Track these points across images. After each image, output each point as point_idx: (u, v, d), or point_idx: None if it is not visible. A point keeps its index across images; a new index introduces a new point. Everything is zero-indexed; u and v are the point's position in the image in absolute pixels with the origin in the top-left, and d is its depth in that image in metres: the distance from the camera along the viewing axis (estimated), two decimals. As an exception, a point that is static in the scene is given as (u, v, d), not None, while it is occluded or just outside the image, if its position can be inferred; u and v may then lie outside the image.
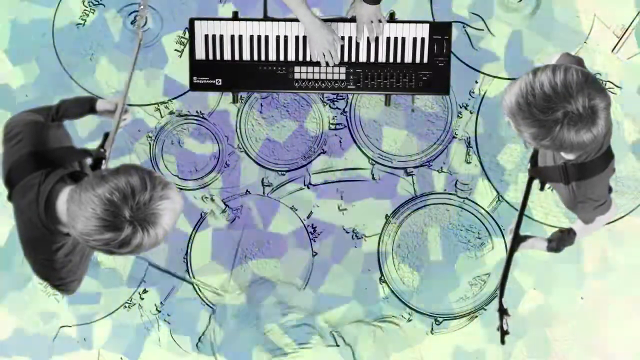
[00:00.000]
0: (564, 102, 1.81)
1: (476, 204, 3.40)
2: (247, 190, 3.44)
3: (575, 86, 1.81)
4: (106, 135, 2.34)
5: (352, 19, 2.91)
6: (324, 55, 2.89)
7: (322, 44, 2.86)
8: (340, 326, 3.42)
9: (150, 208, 1.77)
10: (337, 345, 3.40)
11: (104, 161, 2.28)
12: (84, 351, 3.45)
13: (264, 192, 3.44)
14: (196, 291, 3.44)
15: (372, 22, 2.87)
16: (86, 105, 2.47)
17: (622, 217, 3.32)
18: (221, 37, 2.94)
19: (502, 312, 2.34)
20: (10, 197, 2.08)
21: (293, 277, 3.42)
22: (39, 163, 2.04)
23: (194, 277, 3.43)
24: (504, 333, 2.35)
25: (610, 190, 2.35)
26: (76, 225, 1.78)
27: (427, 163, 3.42)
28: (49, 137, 2.13)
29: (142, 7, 2.60)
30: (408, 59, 2.94)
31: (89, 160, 2.26)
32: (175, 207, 1.83)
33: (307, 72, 2.95)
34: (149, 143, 3.44)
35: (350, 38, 2.93)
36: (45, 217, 1.95)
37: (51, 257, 2.03)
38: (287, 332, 3.40)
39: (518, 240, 2.43)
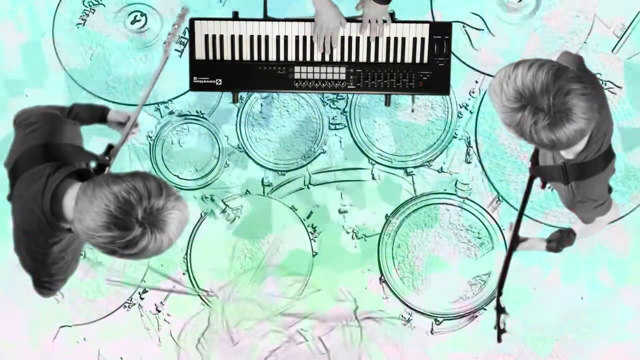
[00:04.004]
0: (530, 99, 1.84)
1: (476, 204, 3.40)
2: (247, 190, 3.44)
3: (540, 85, 1.83)
4: (109, 147, 2.33)
5: (356, 19, 2.91)
6: (324, 38, 2.88)
7: (326, 25, 2.86)
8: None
9: (162, 214, 1.80)
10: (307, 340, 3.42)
11: (107, 168, 2.28)
12: (84, 351, 3.45)
13: (264, 192, 3.44)
14: (197, 291, 3.44)
15: (376, 21, 2.87)
16: (97, 113, 2.48)
17: (622, 217, 3.32)
18: (221, 37, 2.94)
19: (500, 310, 2.35)
20: (10, 196, 2.08)
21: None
22: (49, 155, 2.04)
23: (194, 279, 3.43)
24: (500, 331, 2.35)
25: (610, 190, 2.35)
26: (84, 220, 1.79)
27: (427, 163, 3.42)
28: (64, 132, 2.14)
29: (176, 26, 2.59)
30: (408, 59, 2.94)
31: (92, 165, 2.26)
32: (183, 220, 1.87)
33: (307, 72, 2.95)
34: (149, 143, 3.44)
35: (350, 38, 2.93)
36: (49, 209, 1.95)
37: (45, 250, 2.02)
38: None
39: (517, 239, 2.43)
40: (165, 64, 2.53)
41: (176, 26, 2.59)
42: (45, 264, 2.07)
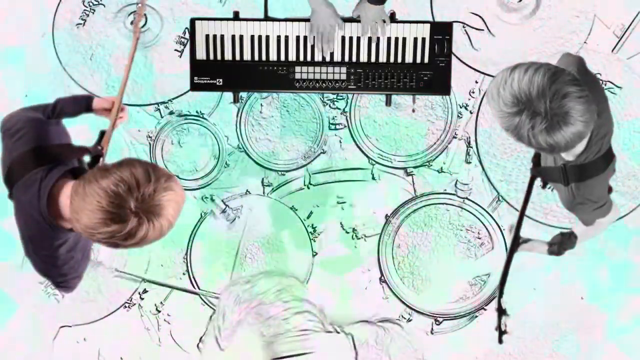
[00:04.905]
0: (527, 103, 1.83)
1: (476, 204, 3.40)
2: (247, 190, 3.44)
3: (537, 89, 1.82)
4: (102, 134, 2.34)
5: (357, 19, 2.91)
6: (321, 37, 2.87)
7: (321, 25, 2.84)
8: (343, 326, 3.42)
9: (155, 199, 1.78)
10: (338, 333, 3.40)
11: (101, 159, 2.28)
12: (84, 351, 3.45)
13: (264, 192, 3.44)
14: (200, 293, 3.44)
15: (376, 22, 2.87)
16: (82, 104, 2.47)
17: (623, 217, 3.32)
18: (222, 37, 2.94)
19: (501, 312, 2.35)
20: (11, 196, 2.08)
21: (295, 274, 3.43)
22: (40, 159, 2.04)
23: (194, 279, 3.43)
24: (502, 333, 2.36)
25: (610, 190, 2.35)
26: (81, 219, 1.79)
27: (427, 163, 3.42)
28: (50, 134, 2.14)
29: (139, 5, 2.60)
30: (409, 59, 2.94)
31: (86, 158, 2.26)
32: (179, 199, 1.84)
33: (307, 72, 2.95)
34: (149, 143, 3.44)
35: (350, 38, 2.93)
36: (47, 212, 1.95)
37: (53, 253, 2.03)
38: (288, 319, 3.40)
39: (518, 241, 2.44)
40: (137, 45, 2.54)
41: (140, 5, 2.60)
42: (56, 265, 2.07)
